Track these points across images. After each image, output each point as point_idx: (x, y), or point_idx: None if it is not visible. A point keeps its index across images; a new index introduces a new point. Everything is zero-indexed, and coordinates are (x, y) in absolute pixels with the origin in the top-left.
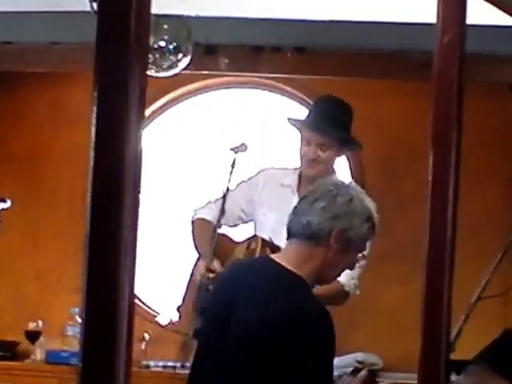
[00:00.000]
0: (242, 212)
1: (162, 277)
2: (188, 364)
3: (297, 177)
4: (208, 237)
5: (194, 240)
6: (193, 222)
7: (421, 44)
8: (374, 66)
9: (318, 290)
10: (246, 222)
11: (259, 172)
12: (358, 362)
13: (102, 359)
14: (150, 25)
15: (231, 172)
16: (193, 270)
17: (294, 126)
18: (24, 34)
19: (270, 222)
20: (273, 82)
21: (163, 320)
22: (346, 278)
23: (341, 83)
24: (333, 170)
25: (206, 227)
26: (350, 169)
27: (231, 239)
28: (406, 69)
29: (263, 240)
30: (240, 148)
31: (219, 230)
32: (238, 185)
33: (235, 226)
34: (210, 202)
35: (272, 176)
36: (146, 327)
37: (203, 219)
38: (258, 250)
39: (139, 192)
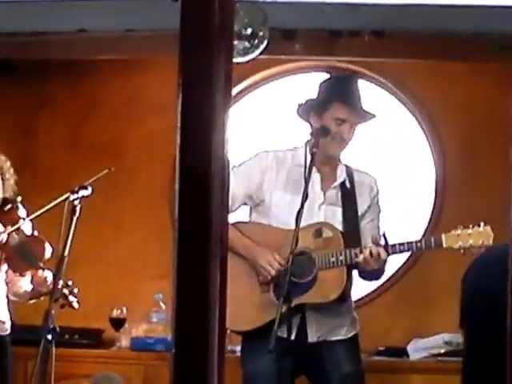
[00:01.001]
0: (249, 198)
1: None
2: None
3: (309, 156)
4: (231, 227)
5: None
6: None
7: (500, 26)
8: (453, 48)
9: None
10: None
11: (260, 155)
12: (445, 342)
13: (195, 345)
14: (234, 10)
15: (312, 156)
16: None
17: (321, 101)
18: (99, 21)
19: (293, 204)
20: (351, 66)
21: None
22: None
23: (419, 66)
24: None
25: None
26: (431, 151)
27: (276, 228)
28: (485, 51)
29: (335, 228)
30: (320, 132)
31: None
32: (235, 169)
33: (236, 210)
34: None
35: (280, 158)
36: None
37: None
38: (341, 238)
39: (227, 178)
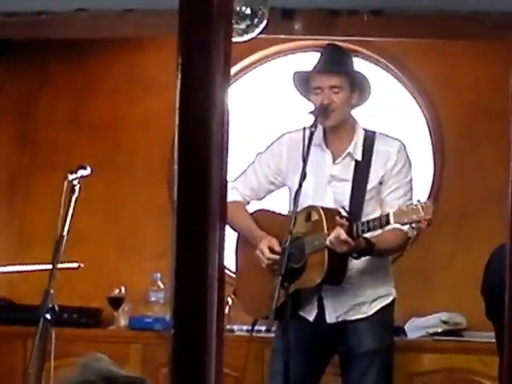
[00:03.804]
0: (272, 184)
1: None
2: (273, 329)
3: (320, 133)
4: (247, 216)
5: (231, 224)
6: None
7: (497, 5)
8: (452, 27)
9: (391, 242)
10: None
11: (277, 140)
12: (443, 321)
13: (194, 325)
14: None
15: (311, 134)
16: (236, 250)
17: (300, 80)
18: (97, 0)
19: (309, 186)
20: (350, 45)
21: None
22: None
23: (417, 45)
24: (354, 119)
25: (240, 207)
26: (429, 131)
27: (271, 212)
28: (482, 30)
29: (325, 209)
30: (319, 111)
31: (252, 206)
32: (258, 156)
33: (264, 197)
34: (232, 183)
35: (294, 141)
36: (229, 291)
37: (233, 201)
38: (324, 220)
39: (227, 158)
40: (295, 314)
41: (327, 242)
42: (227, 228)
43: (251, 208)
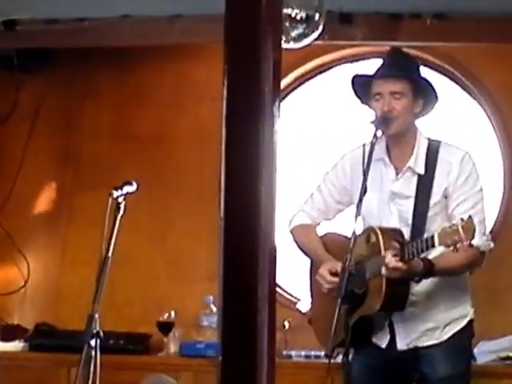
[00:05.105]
0: (339, 203)
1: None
2: (334, 354)
3: (383, 147)
4: (315, 239)
5: (301, 248)
6: (291, 231)
7: None
8: None
9: (456, 260)
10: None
11: (341, 158)
12: None
13: (244, 350)
14: None
15: (372, 146)
16: (311, 277)
17: (361, 86)
18: (144, 7)
19: (373, 204)
20: (412, 51)
21: (304, 307)
22: (477, 238)
23: (484, 50)
24: (416, 129)
25: (309, 230)
26: (498, 139)
27: (340, 235)
28: None
29: (382, 230)
30: (381, 121)
31: (321, 228)
32: (324, 177)
33: (334, 217)
34: (300, 205)
35: (357, 157)
36: (286, 315)
37: (301, 225)
38: (382, 241)
39: (275, 171)
40: (368, 340)
41: (382, 271)
42: (300, 253)
43: (322, 230)
